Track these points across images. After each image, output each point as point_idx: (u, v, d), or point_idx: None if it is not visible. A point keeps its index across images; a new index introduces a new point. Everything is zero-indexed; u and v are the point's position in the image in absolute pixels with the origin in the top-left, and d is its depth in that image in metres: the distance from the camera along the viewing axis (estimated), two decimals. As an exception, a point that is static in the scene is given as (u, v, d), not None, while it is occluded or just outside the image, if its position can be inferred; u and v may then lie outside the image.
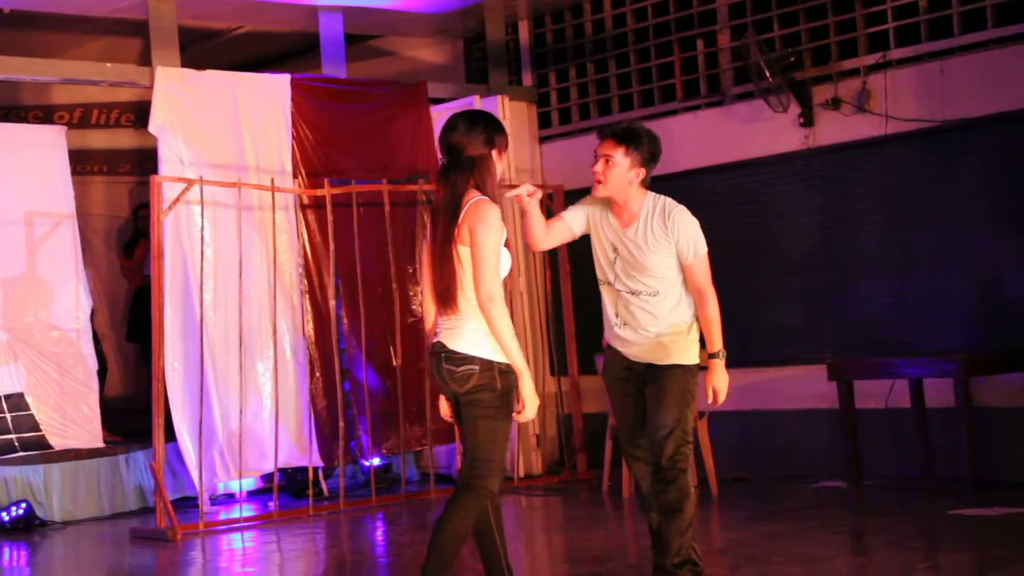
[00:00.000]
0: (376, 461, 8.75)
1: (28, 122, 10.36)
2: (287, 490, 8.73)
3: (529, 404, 4.39)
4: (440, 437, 8.81)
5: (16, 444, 8.41)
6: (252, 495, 8.79)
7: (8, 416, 8.46)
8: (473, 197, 4.37)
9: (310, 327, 8.47)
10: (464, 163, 4.40)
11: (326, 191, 8.38)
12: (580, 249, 9.26)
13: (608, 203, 4.98)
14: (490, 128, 4.47)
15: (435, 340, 4.45)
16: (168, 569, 6.82)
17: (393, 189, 8.62)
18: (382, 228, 8.57)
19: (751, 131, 8.68)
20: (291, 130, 8.62)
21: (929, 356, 7.48)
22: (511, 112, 9.46)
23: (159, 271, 7.75)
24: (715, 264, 9.00)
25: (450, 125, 4.47)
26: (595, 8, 9.69)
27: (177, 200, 7.81)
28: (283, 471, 8.62)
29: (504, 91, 9.61)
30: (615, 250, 4.96)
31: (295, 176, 8.60)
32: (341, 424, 8.35)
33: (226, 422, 8.13)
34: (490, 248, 4.31)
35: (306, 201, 8.58)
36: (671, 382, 4.87)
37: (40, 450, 8.44)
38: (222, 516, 8.11)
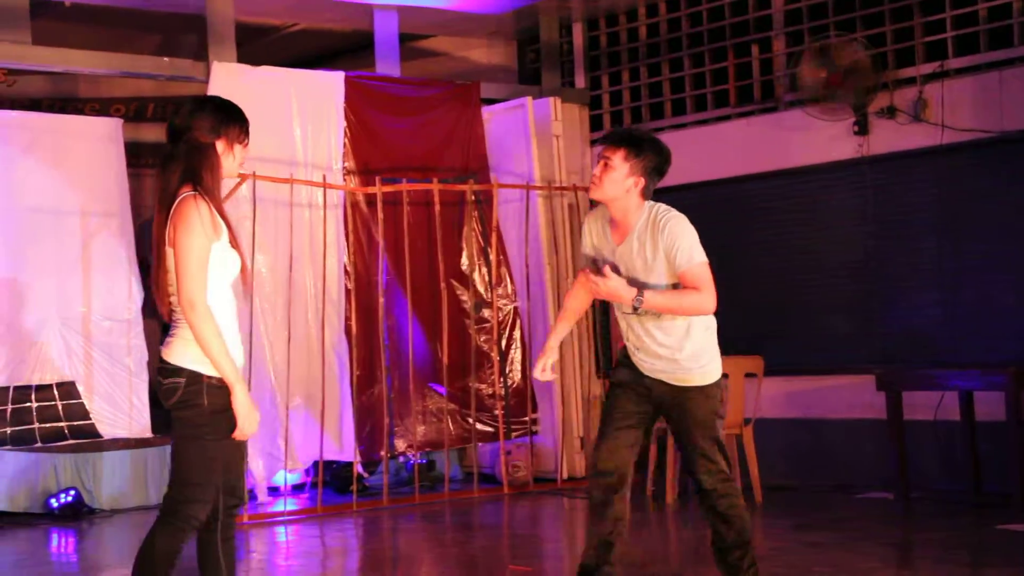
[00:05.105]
0: (419, 458, 8.78)
1: (85, 114, 10.48)
2: (331, 485, 8.78)
3: (244, 420, 3.91)
4: (484, 436, 8.83)
5: (66, 432, 8.51)
6: (296, 489, 8.85)
7: (59, 404, 8.56)
8: (184, 193, 3.92)
9: (354, 324, 8.51)
10: (179, 152, 3.96)
11: (377, 189, 8.42)
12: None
13: (607, 219, 4.73)
14: (219, 115, 4.01)
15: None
16: (212, 560, 6.86)
17: (443, 189, 8.65)
18: (431, 227, 8.60)
19: (805, 138, 8.63)
20: (343, 127, 8.67)
21: (980, 368, 7.41)
22: (563, 114, 9.45)
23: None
24: (765, 270, 9.01)
25: (175, 108, 4.08)
26: (650, 12, 9.66)
27: (229, 195, 7.86)
28: (328, 466, 8.66)
29: (557, 93, 9.61)
30: (616, 270, 4.65)
31: (346, 173, 8.65)
32: (387, 420, 8.39)
33: (278, 415, 8.19)
34: (190, 250, 3.85)
35: (357, 198, 8.63)
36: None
37: (90, 438, 8.54)
38: (267, 509, 8.16)
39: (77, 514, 8.11)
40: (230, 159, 4.03)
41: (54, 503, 8.14)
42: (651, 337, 4.66)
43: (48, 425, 8.48)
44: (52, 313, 8.67)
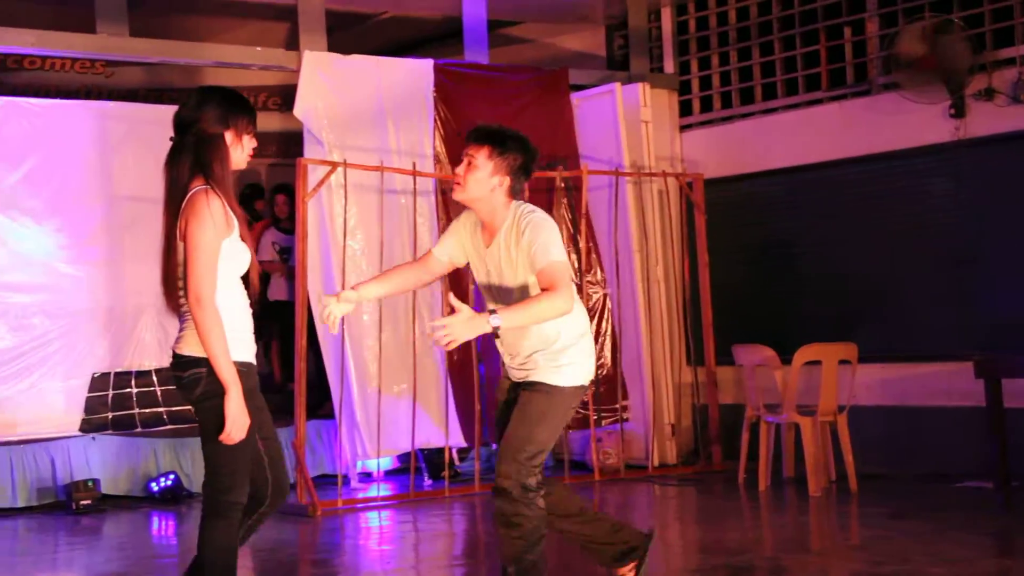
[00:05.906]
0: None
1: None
2: (424, 471, 8.84)
3: (232, 424, 3.86)
4: (574, 423, 8.83)
5: (165, 417, 8.68)
6: (389, 474, 8.94)
7: (158, 390, 8.73)
8: (196, 186, 3.92)
9: (448, 310, 8.54)
10: (188, 143, 3.94)
11: (467, 176, 8.44)
12: (718, 236, 9.25)
13: (478, 221, 4.58)
14: (227, 105, 3.99)
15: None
16: (308, 545, 6.96)
17: (533, 175, 8.64)
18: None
19: (899, 122, 8.49)
20: (433, 115, 8.71)
21: (1083, 356, 7.24)
22: (652, 99, 9.40)
23: (304, 253, 7.91)
24: (859, 256, 8.86)
25: (183, 100, 4.03)
26: (740, -5, 9.58)
27: (321, 183, 7.95)
28: (420, 451, 8.73)
29: (645, 78, 9.56)
30: (487, 273, 4.58)
31: (436, 161, 8.69)
32: (477, 407, 8.43)
33: (368, 402, 8.27)
34: (201, 244, 3.84)
35: (447, 185, 8.66)
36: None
37: (187, 423, 8.69)
38: (360, 495, 8.26)
39: (176, 498, 8.27)
40: (238, 150, 4.02)
41: (154, 487, 8.31)
42: (519, 336, 4.51)
43: (148, 410, 8.66)
44: (150, 300, 8.83)
